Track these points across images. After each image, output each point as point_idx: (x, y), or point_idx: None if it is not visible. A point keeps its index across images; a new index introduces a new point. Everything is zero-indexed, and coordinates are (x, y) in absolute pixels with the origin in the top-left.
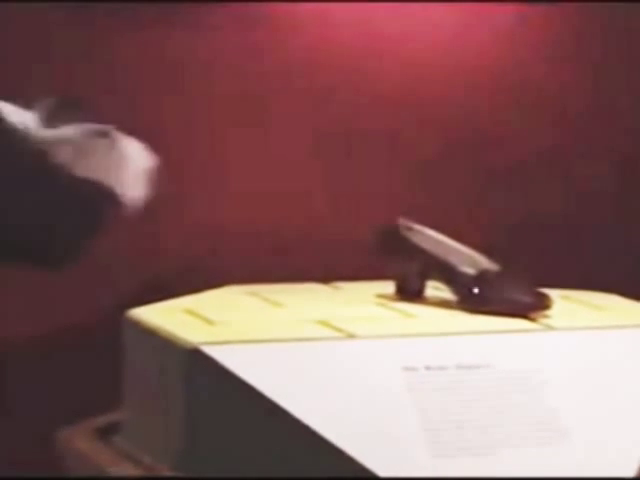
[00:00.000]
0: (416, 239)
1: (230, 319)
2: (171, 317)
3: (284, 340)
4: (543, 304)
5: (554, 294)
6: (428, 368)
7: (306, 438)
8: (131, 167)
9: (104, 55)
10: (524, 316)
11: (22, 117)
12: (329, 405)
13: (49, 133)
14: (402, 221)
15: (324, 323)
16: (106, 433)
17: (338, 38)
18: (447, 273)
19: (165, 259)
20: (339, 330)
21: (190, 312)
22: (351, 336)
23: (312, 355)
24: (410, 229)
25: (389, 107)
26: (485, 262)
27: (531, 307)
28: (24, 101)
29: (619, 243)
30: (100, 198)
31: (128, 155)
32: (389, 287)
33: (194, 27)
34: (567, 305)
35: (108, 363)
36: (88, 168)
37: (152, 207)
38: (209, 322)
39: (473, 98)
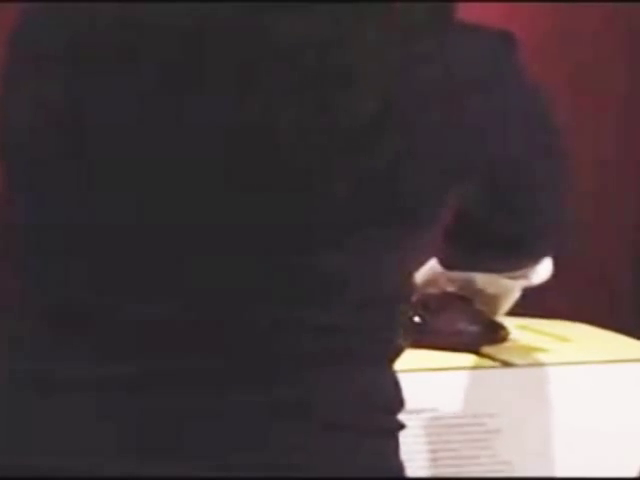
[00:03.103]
0: None
1: None
2: None
3: None
4: (497, 336)
5: (510, 323)
6: None
7: None
8: None
9: None
10: (474, 350)
11: None
12: None
13: None
14: None
15: None
16: None
17: None
18: None
19: None
20: None
21: None
22: None
23: None
24: None
25: None
26: None
27: (483, 339)
28: None
29: None
30: None
31: None
32: None
33: None
34: (525, 336)
35: None
36: None
37: None
38: None
39: None
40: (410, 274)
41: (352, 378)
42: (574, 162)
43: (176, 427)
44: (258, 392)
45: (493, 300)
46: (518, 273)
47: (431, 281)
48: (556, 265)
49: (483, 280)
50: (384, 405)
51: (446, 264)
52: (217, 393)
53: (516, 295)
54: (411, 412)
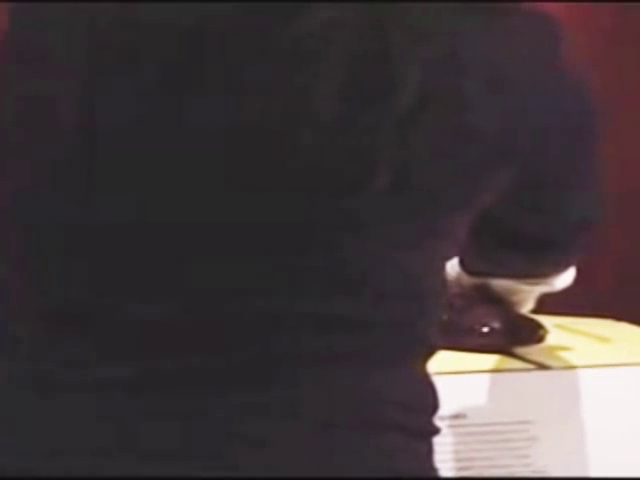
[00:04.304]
0: None
1: None
2: None
3: None
4: (533, 335)
5: (547, 322)
6: None
7: None
8: None
9: None
10: (508, 352)
11: None
12: None
13: None
14: None
15: None
16: None
17: None
18: None
19: None
20: None
21: None
22: None
23: None
24: None
25: None
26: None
27: (517, 340)
28: None
29: None
30: None
31: None
32: None
33: None
34: (562, 336)
35: None
36: None
37: None
38: None
39: None
40: (434, 272)
41: (359, 376)
42: (607, 161)
43: (176, 427)
44: (259, 392)
45: (511, 307)
46: (542, 280)
47: (455, 280)
48: (589, 265)
49: (503, 287)
50: (403, 403)
51: (468, 268)
52: (217, 393)
53: (534, 302)
54: (440, 418)
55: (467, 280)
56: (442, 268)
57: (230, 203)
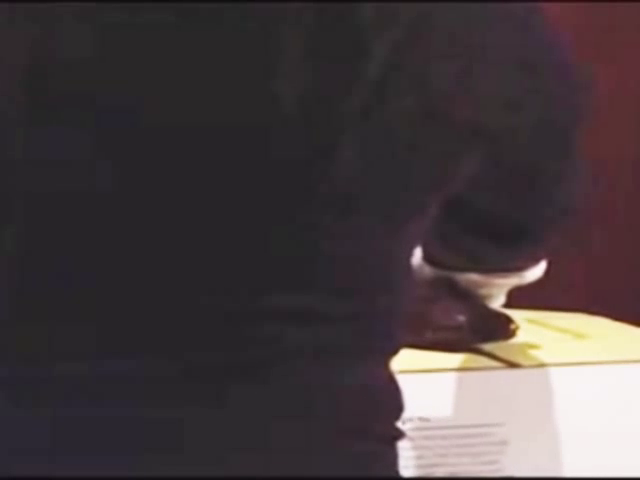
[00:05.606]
0: None
1: None
2: None
3: None
4: (503, 331)
5: (518, 316)
6: None
7: None
8: None
9: None
10: (475, 348)
11: None
12: None
13: None
14: None
15: None
16: None
17: None
18: None
19: None
20: None
21: None
22: None
23: None
24: None
25: None
26: None
27: (486, 335)
28: None
29: None
30: None
31: None
32: None
33: None
34: (536, 332)
35: None
36: None
37: None
38: None
39: None
40: (403, 265)
41: (321, 375)
42: (615, 162)
43: (176, 427)
44: (257, 390)
45: (479, 301)
46: (512, 273)
47: (416, 271)
48: (564, 257)
49: (470, 280)
50: (371, 405)
51: (431, 259)
52: (218, 394)
53: (505, 296)
54: (401, 420)
55: (429, 271)
56: (410, 260)
57: (198, 200)
